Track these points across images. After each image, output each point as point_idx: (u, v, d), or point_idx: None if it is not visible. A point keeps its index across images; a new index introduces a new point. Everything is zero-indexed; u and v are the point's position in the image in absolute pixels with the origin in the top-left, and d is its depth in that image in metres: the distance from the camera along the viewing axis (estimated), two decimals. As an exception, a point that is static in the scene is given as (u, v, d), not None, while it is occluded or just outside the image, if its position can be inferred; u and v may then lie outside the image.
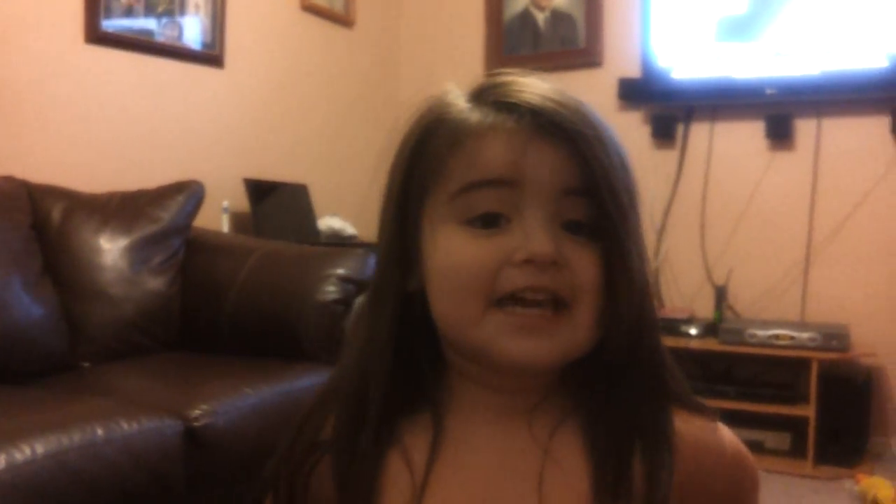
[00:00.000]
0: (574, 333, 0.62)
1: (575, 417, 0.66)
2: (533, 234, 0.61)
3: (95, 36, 2.53)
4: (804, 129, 3.21)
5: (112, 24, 2.58)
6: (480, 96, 0.66)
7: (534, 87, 0.64)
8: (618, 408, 0.65)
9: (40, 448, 1.38)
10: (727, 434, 0.70)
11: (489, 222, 0.62)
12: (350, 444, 0.66)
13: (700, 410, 0.69)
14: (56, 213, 2.17)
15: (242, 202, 2.93)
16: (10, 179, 2.15)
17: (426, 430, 0.67)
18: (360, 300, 2.22)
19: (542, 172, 0.62)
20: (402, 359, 0.67)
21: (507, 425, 0.66)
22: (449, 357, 0.68)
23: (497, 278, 0.61)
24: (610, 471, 0.63)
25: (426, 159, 0.65)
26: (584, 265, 0.62)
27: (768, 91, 3.14)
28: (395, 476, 0.65)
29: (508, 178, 0.62)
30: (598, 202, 0.62)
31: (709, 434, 0.69)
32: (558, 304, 0.62)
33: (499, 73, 0.67)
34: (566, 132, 0.62)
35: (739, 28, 3.18)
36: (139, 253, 2.24)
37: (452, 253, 0.63)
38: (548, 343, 0.62)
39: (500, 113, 0.63)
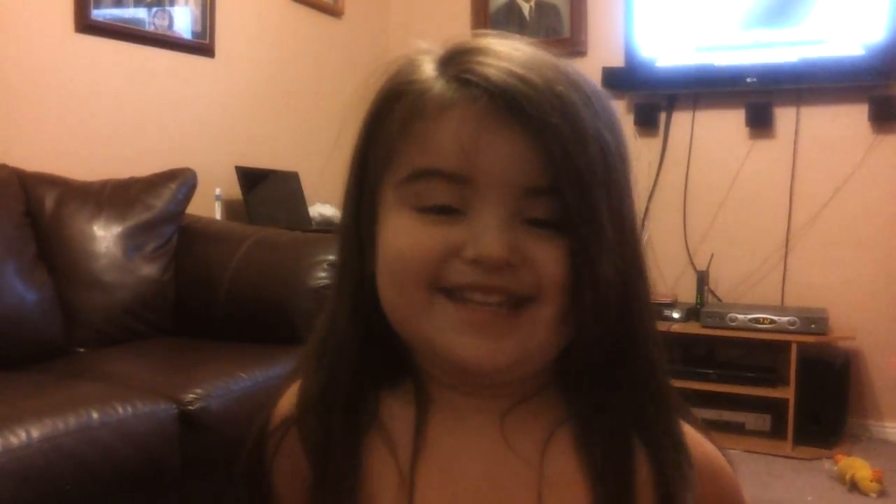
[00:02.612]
0: (534, 332, 0.55)
1: (568, 427, 0.60)
2: (483, 234, 0.53)
3: (85, 25, 2.53)
4: (784, 116, 3.25)
5: (102, 14, 2.57)
6: (449, 63, 0.57)
7: (505, 57, 0.55)
8: (611, 417, 0.59)
9: (36, 432, 1.38)
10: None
11: (444, 210, 0.55)
12: (323, 419, 0.61)
13: (701, 428, 0.64)
14: (49, 201, 2.17)
15: (234, 190, 2.94)
16: (2, 167, 2.14)
17: (408, 406, 0.61)
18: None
19: (498, 167, 0.53)
20: (374, 335, 0.61)
21: (490, 428, 0.60)
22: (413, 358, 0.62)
23: (443, 269, 0.55)
24: (610, 485, 0.57)
25: (380, 139, 0.58)
26: (547, 261, 0.54)
27: (748, 80, 3.18)
28: (379, 466, 0.60)
29: (459, 173, 0.54)
30: (565, 201, 0.53)
31: (719, 455, 0.64)
32: (518, 301, 0.55)
33: (476, 35, 0.58)
34: (529, 119, 0.53)
35: (771, 14, 3.18)
36: (133, 240, 2.25)
37: (399, 238, 0.56)
38: (501, 344, 0.55)
39: (459, 90, 0.55)
